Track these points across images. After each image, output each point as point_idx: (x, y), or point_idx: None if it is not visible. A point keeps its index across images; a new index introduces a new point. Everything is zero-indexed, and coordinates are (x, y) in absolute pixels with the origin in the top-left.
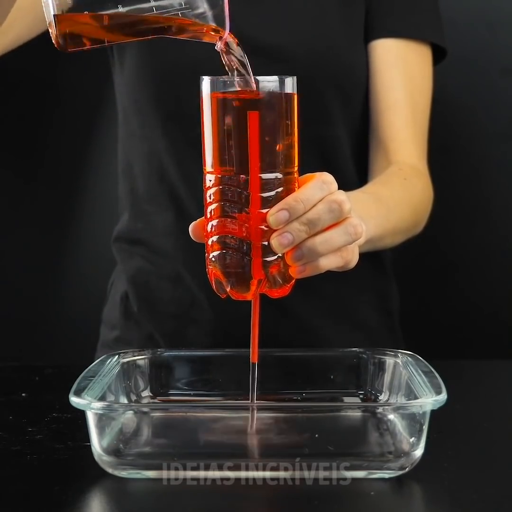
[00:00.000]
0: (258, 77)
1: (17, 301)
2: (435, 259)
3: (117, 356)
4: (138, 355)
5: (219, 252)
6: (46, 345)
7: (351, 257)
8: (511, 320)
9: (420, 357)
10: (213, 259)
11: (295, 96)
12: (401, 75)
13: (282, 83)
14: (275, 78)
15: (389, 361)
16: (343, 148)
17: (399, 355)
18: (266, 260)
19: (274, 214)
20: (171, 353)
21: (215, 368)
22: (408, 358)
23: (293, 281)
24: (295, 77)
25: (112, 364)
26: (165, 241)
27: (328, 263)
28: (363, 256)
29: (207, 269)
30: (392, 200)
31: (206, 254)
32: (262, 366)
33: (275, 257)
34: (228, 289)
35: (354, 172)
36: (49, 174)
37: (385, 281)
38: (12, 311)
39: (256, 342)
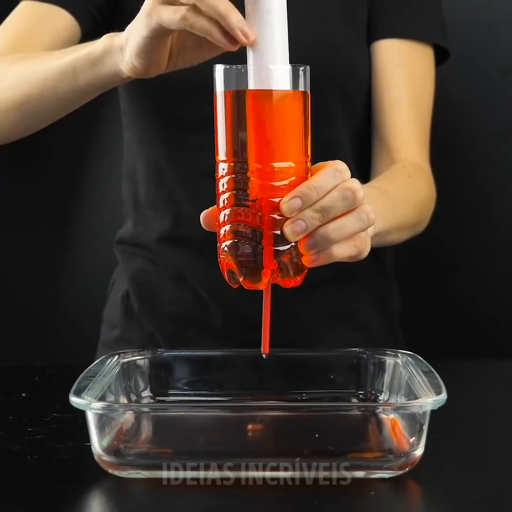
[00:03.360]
0: (271, 66)
1: (18, 301)
2: (435, 259)
3: (117, 356)
4: (138, 355)
5: (231, 241)
6: (46, 345)
7: (364, 246)
8: (511, 320)
9: (420, 357)
10: (225, 248)
11: (308, 85)
12: (404, 74)
13: (295, 72)
14: (288, 67)
15: (389, 361)
16: (344, 149)
17: (399, 355)
18: (278, 250)
19: (287, 202)
20: (171, 353)
21: (215, 368)
22: (408, 358)
23: (306, 271)
24: (308, 66)
25: (112, 364)
26: (164, 246)
27: (341, 251)
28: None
29: (219, 259)
30: (398, 196)
31: (218, 244)
32: (262, 366)
33: (288, 246)
34: (240, 279)
35: (356, 173)
36: (50, 174)
37: (386, 282)
38: (12, 311)
39: (267, 333)
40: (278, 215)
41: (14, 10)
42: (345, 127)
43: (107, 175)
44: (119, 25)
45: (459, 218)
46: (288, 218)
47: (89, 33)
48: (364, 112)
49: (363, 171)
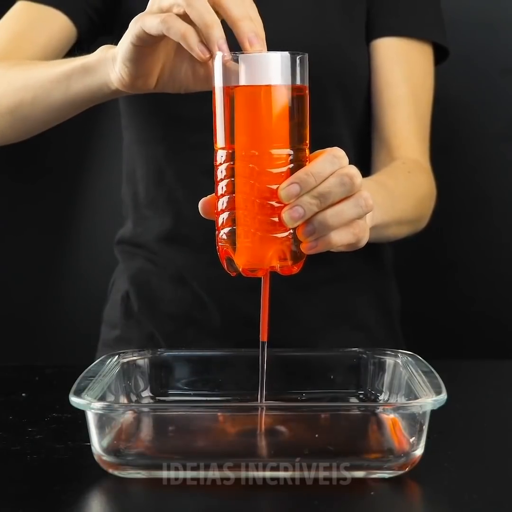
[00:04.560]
0: (269, 53)
1: (18, 301)
2: (434, 258)
3: (117, 356)
4: (138, 355)
5: (230, 228)
6: (46, 345)
7: (363, 234)
8: (511, 320)
9: (420, 357)
10: (224, 236)
11: (306, 73)
12: (403, 72)
13: (293, 59)
14: (286, 54)
15: (389, 361)
16: (345, 147)
17: (399, 355)
18: (277, 237)
19: (285, 188)
20: (171, 353)
21: (215, 368)
22: (408, 358)
23: (304, 258)
24: (306, 54)
25: (112, 364)
26: (163, 246)
27: (340, 238)
28: (363, 256)
29: (217, 248)
30: (397, 190)
31: (217, 232)
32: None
33: (286, 233)
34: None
35: None
36: (49, 175)
37: (386, 281)
38: (12, 311)
39: (266, 320)
40: (277, 202)
41: (10, 11)
42: (345, 125)
43: (107, 175)
44: (117, 26)
45: (459, 218)
46: (286, 205)
47: (85, 33)
48: (364, 110)
49: (364, 169)
